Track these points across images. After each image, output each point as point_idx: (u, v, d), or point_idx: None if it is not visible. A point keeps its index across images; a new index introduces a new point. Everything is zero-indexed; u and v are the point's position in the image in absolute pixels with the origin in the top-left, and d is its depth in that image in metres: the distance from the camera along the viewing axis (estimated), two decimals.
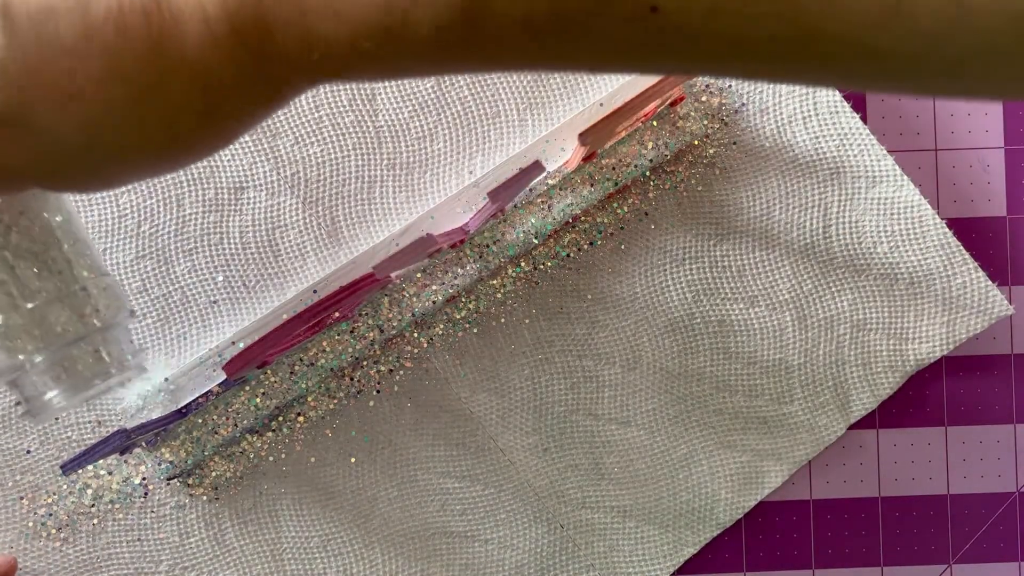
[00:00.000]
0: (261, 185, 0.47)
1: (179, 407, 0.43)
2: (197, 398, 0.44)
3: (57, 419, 0.46)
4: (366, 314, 0.46)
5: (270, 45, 0.21)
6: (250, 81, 0.22)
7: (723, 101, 0.48)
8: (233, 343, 0.45)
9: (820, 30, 0.20)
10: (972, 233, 0.50)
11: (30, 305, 0.29)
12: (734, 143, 0.49)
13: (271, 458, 0.47)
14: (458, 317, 0.48)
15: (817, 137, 0.48)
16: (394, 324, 0.46)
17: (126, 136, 0.22)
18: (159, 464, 0.45)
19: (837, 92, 0.48)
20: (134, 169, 0.23)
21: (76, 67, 0.21)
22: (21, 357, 0.30)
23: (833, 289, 0.49)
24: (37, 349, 0.30)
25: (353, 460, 0.48)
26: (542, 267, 0.48)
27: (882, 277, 0.49)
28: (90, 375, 0.31)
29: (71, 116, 0.21)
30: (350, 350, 0.46)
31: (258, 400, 0.45)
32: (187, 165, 0.24)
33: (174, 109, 0.22)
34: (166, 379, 0.45)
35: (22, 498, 0.46)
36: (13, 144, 0.21)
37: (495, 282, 0.48)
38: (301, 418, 0.47)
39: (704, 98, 0.48)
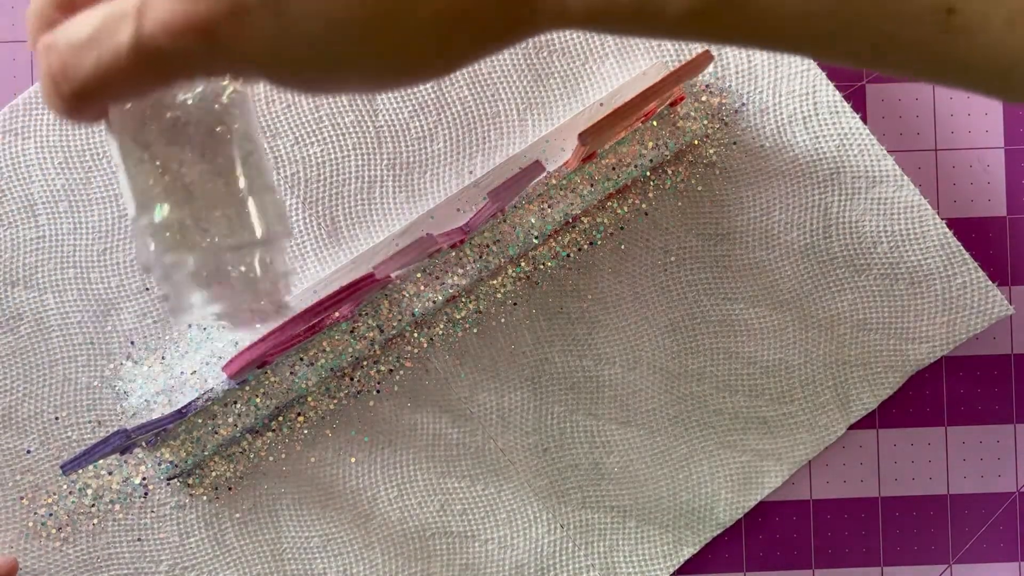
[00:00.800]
0: None
1: (179, 407, 0.43)
2: (197, 398, 0.44)
3: (57, 419, 0.46)
4: (366, 314, 0.46)
5: None
6: (499, 17, 0.22)
7: (723, 101, 0.48)
8: (234, 343, 0.45)
9: None
10: (972, 233, 0.50)
11: (197, 203, 0.29)
12: (734, 143, 0.49)
13: (271, 458, 0.47)
14: (458, 317, 0.48)
15: (817, 137, 0.48)
16: (394, 324, 0.46)
17: (364, 43, 0.22)
18: (159, 464, 0.45)
19: (837, 92, 0.48)
20: (357, 78, 0.24)
21: None
22: (178, 254, 0.29)
23: (833, 289, 0.49)
24: (195, 248, 0.30)
25: (353, 460, 0.48)
26: (542, 267, 0.48)
27: (882, 277, 0.49)
28: (239, 286, 0.31)
29: (322, 11, 0.21)
30: (350, 350, 0.46)
31: (258, 400, 0.45)
32: (403, 87, 0.24)
33: (417, 28, 0.22)
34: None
35: (22, 498, 0.46)
36: (257, 28, 0.22)
37: (495, 282, 0.48)
38: (301, 418, 0.47)
39: (704, 98, 0.48)
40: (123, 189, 0.30)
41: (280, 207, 0.32)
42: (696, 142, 0.48)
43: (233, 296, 0.31)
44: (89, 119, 0.26)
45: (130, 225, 0.30)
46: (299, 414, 0.47)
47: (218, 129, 0.29)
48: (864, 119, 0.50)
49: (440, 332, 0.48)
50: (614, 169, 0.47)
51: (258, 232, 0.31)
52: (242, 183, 0.30)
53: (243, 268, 0.31)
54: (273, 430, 0.47)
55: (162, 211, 0.29)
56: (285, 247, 0.33)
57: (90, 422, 0.47)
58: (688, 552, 0.48)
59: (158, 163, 0.29)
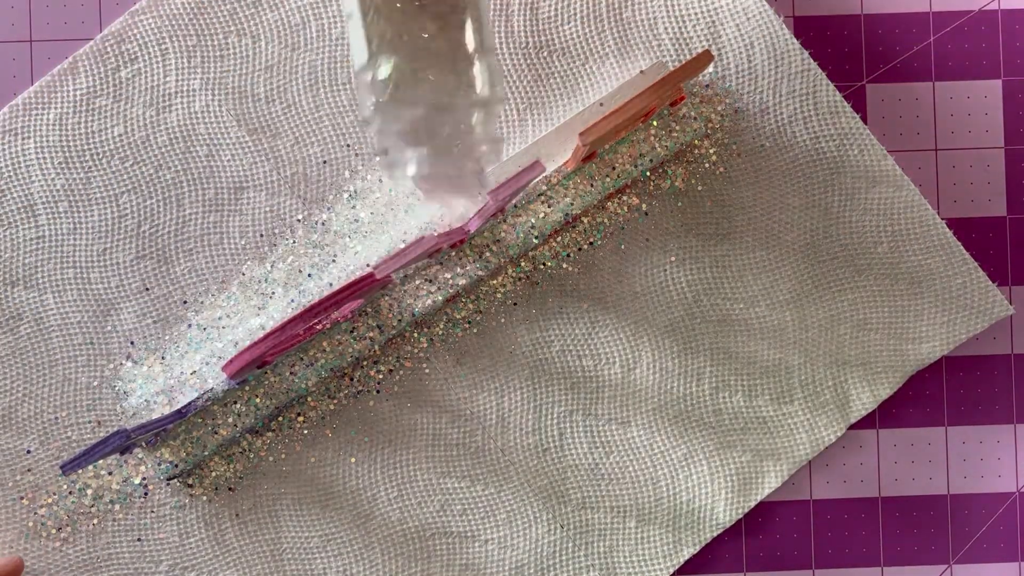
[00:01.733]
0: (261, 185, 0.47)
1: (179, 407, 0.43)
2: (197, 398, 0.44)
3: (57, 419, 0.46)
4: (366, 314, 0.46)
5: None
6: None
7: (723, 101, 0.48)
8: (234, 343, 0.45)
9: None
10: (972, 233, 0.50)
11: (423, 60, 0.29)
12: (734, 143, 0.49)
13: (271, 458, 0.47)
14: (458, 317, 0.48)
15: (817, 137, 0.49)
16: (394, 324, 0.46)
17: None
18: (159, 464, 0.45)
19: (837, 92, 0.48)
20: None
21: None
22: (398, 109, 0.29)
23: (833, 289, 0.49)
24: (415, 104, 0.30)
25: (353, 460, 0.48)
26: (542, 267, 0.48)
27: (882, 277, 0.49)
28: (455, 144, 0.31)
29: None
30: (350, 350, 0.46)
31: (258, 400, 0.45)
32: None
33: None
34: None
35: (22, 498, 0.46)
36: None
37: (495, 282, 0.48)
38: (301, 418, 0.47)
39: (704, 98, 0.48)
40: (352, 39, 0.30)
41: (499, 73, 0.32)
42: (696, 142, 0.48)
43: (444, 156, 0.31)
44: None
45: (353, 76, 0.30)
46: (299, 414, 0.47)
47: None
48: (864, 119, 0.50)
49: (440, 332, 0.48)
50: (614, 169, 0.47)
51: (480, 93, 0.31)
52: (471, 43, 0.30)
53: (460, 127, 0.31)
54: (273, 430, 0.47)
55: (389, 65, 0.29)
56: (499, 113, 0.33)
57: (90, 422, 0.47)
58: (688, 552, 0.48)
59: (392, 16, 0.29)
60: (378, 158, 0.31)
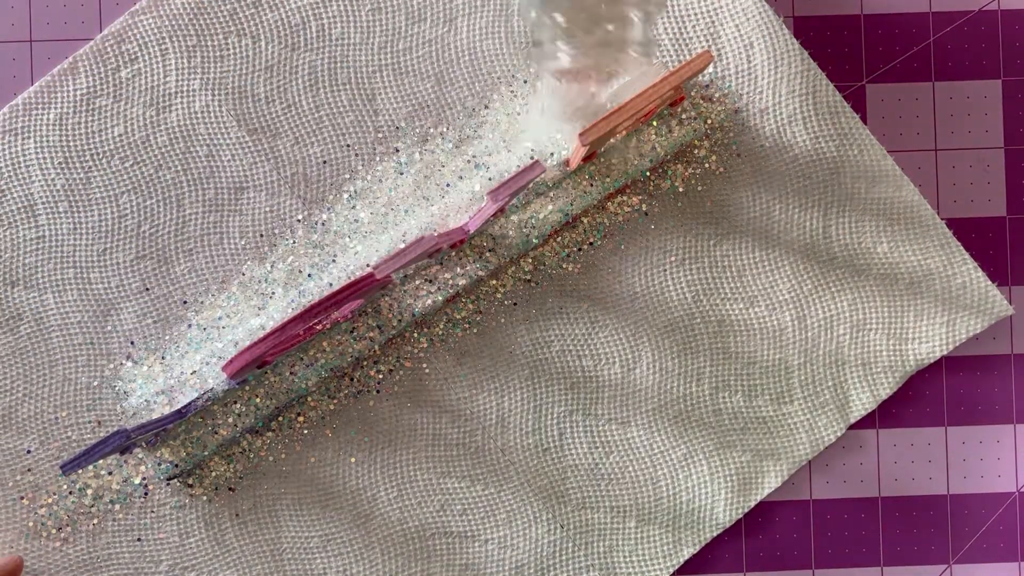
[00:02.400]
0: (261, 185, 0.47)
1: (179, 407, 0.43)
2: (197, 398, 0.44)
3: (57, 419, 0.46)
4: (366, 314, 0.46)
5: None
6: None
7: (723, 101, 0.48)
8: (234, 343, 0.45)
9: None
10: (972, 233, 0.50)
11: None
12: (734, 143, 0.49)
13: (271, 458, 0.47)
14: (458, 317, 0.48)
15: (817, 137, 0.48)
16: (394, 324, 0.46)
17: None
18: (159, 464, 0.45)
19: (837, 92, 0.48)
20: None
21: None
22: (552, 6, 0.30)
23: (833, 289, 0.49)
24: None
25: (353, 460, 0.48)
26: (542, 267, 0.48)
27: (882, 277, 0.49)
28: (612, 38, 0.31)
29: None
30: (350, 350, 0.46)
31: (258, 400, 0.45)
32: None
33: None
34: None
35: (22, 498, 0.46)
36: None
37: (495, 282, 0.48)
38: (301, 418, 0.47)
39: (704, 99, 0.48)
40: None
41: None
42: (696, 142, 0.48)
43: (597, 49, 0.31)
44: None
45: None
46: (299, 414, 0.47)
47: None
48: (864, 119, 0.50)
49: (440, 332, 0.48)
50: (614, 169, 0.47)
51: None
52: None
53: (622, 20, 0.31)
54: (273, 430, 0.47)
55: None
56: (659, 18, 0.34)
57: (90, 422, 0.47)
58: (688, 552, 0.48)
59: None
60: (531, 49, 0.32)
